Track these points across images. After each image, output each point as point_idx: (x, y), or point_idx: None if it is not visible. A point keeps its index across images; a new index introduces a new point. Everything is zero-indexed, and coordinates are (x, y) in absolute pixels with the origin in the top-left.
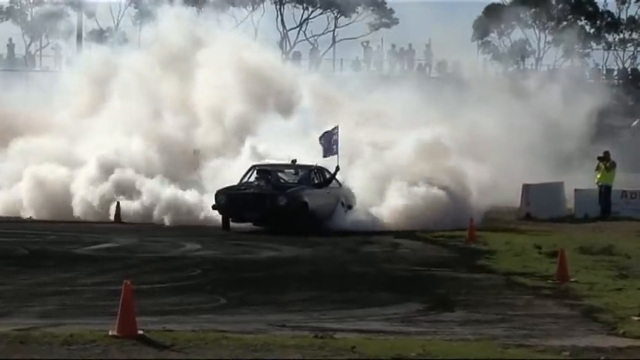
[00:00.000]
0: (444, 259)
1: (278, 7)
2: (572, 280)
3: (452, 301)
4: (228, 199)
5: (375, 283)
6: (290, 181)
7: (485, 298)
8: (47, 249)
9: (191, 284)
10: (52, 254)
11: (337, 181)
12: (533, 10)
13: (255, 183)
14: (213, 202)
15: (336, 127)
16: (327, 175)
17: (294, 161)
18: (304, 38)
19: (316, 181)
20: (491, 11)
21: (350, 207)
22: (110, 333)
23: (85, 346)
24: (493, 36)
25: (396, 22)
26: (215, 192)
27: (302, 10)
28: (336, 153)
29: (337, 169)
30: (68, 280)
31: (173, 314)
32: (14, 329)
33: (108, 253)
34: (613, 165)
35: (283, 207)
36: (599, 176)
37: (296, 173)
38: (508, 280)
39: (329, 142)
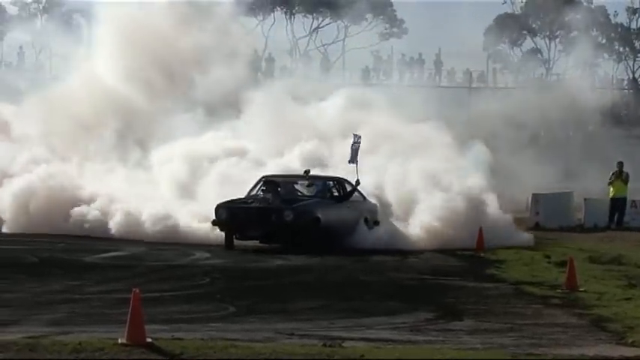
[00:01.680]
0: (453, 268)
1: (288, 16)
2: (581, 289)
3: (461, 310)
4: (230, 214)
5: (384, 291)
6: (302, 194)
7: (494, 307)
8: (56, 257)
9: (200, 292)
10: (62, 262)
11: (361, 194)
12: (544, 19)
13: (262, 196)
14: (213, 217)
15: (358, 137)
16: (349, 188)
17: (307, 172)
18: (314, 47)
19: (335, 194)
20: (502, 20)
21: (376, 223)
22: (119, 341)
23: (93, 354)
24: (504, 45)
25: (405, 31)
26: (215, 205)
27: (312, 20)
28: (356, 163)
29: (357, 182)
30: (77, 288)
31: (182, 322)
32: (23, 337)
33: (116, 262)
34: (628, 177)
35: (290, 223)
36: (614, 188)
37: (310, 185)
38: (517, 290)
39: (353, 151)
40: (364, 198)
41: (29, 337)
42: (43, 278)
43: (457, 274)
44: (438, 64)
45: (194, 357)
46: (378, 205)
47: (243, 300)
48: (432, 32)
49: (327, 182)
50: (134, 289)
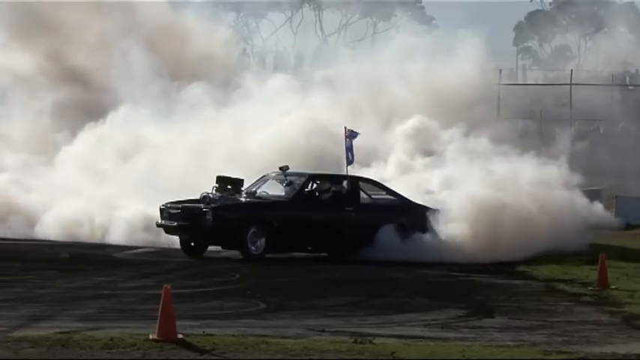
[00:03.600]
0: (483, 264)
1: (317, 12)
2: (613, 287)
3: (492, 307)
4: (164, 216)
5: (414, 288)
6: (265, 193)
7: (525, 304)
8: (88, 253)
9: (230, 289)
10: (93, 258)
11: (395, 195)
12: (573, 16)
13: (211, 194)
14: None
15: (350, 131)
16: (346, 186)
17: (282, 168)
18: (343, 44)
19: (320, 194)
20: (533, 17)
21: (423, 231)
22: (150, 337)
23: (125, 349)
24: (534, 42)
25: (435, 28)
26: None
27: (340, 16)
28: (351, 162)
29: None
30: (108, 284)
31: (212, 318)
32: (55, 332)
33: (147, 257)
34: None
35: (211, 227)
36: None
37: (290, 184)
38: (548, 287)
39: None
40: (407, 201)
41: (61, 333)
42: (75, 274)
43: (487, 271)
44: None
45: (225, 353)
46: (435, 210)
47: (274, 296)
48: (462, 29)
49: (306, 180)
50: (165, 285)
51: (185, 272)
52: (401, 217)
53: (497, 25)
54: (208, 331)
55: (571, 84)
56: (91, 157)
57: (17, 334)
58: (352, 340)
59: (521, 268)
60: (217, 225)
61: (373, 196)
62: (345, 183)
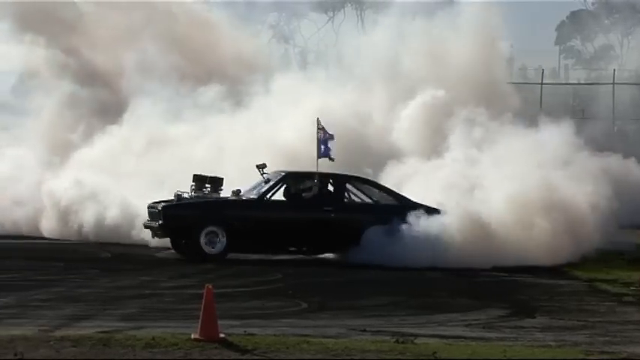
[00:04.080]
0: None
1: (358, 12)
2: None
3: (533, 307)
4: (148, 215)
5: (455, 288)
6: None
7: (567, 304)
8: (129, 252)
9: (272, 288)
10: (134, 257)
11: (393, 195)
12: (617, 15)
13: (184, 193)
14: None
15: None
16: (319, 185)
17: (259, 166)
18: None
19: (300, 193)
20: (575, 16)
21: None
22: (192, 336)
23: (167, 349)
24: (576, 41)
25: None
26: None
27: (382, 16)
28: (324, 156)
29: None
30: (149, 284)
31: (254, 318)
32: (97, 332)
33: (189, 257)
34: None
35: (162, 226)
36: None
37: (266, 182)
38: (590, 287)
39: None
40: (406, 201)
41: (103, 332)
42: (116, 274)
43: (529, 271)
44: (509, 60)
45: (266, 353)
46: (438, 210)
47: (315, 296)
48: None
49: (279, 179)
50: (207, 285)
51: (225, 272)
52: (394, 219)
53: (540, 24)
54: (250, 330)
55: (614, 83)
56: (115, 156)
57: (59, 333)
58: (393, 339)
59: (563, 267)
60: (167, 224)
61: (375, 197)
62: (319, 182)
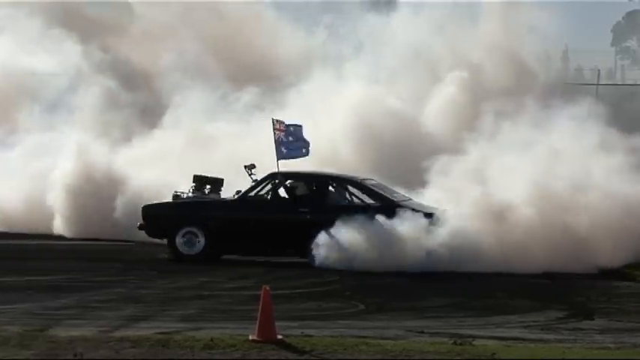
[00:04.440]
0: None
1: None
2: None
3: (592, 308)
4: None
5: (513, 290)
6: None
7: (626, 306)
8: None
9: (329, 290)
10: None
11: (379, 196)
12: None
13: (182, 193)
14: None
15: (279, 122)
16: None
17: (247, 166)
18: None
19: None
20: (631, 16)
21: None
22: (250, 338)
23: (225, 350)
24: (632, 42)
25: (532, 29)
26: None
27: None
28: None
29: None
30: (207, 285)
31: (312, 319)
32: (156, 333)
33: (246, 259)
34: None
35: (142, 225)
36: None
37: (254, 181)
38: None
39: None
40: (393, 203)
41: (162, 333)
42: (174, 275)
43: (587, 274)
44: (564, 60)
45: (324, 354)
46: (432, 214)
47: (373, 297)
48: (558, 29)
49: (262, 179)
50: (264, 286)
51: (283, 273)
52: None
53: (596, 24)
54: (307, 332)
55: None
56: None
57: (118, 334)
58: (452, 341)
59: (622, 269)
60: (146, 223)
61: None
62: (304, 182)
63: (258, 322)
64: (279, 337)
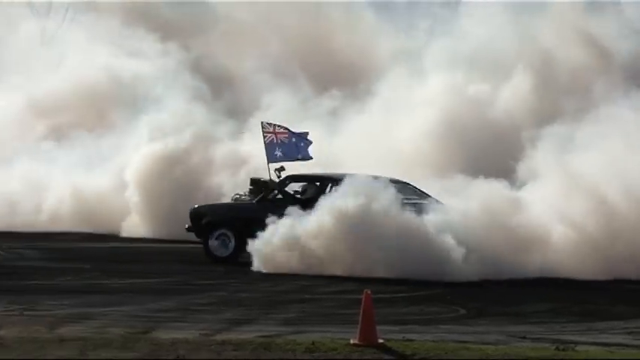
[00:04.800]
0: None
1: None
2: None
3: None
4: None
5: (616, 296)
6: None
7: None
8: None
9: (430, 294)
10: None
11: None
12: None
13: (242, 196)
14: None
15: (269, 124)
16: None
17: (278, 169)
18: None
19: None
20: None
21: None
22: (351, 341)
23: (326, 353)
24: None
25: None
26: None
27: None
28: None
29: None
30: (309, 288)
31: (413, 324)
32: (258, 336)
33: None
34: None
35: (189, 228)
36: None
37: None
38: None
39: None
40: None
41: (263, 336)
42: (276, 278)
43: None
44: None
45: (425, 358)
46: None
47: (474, 302)
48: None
49: (279, 182)
50: (366, 290)
51: (383, 277)
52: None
53: None
54: (408, 336)
55: None
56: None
57: (220, 337)
58: (554, 347)
59: None
60: (193, 225)
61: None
62: (313, 184)
63: (359, 325)
64: (380, 341)
